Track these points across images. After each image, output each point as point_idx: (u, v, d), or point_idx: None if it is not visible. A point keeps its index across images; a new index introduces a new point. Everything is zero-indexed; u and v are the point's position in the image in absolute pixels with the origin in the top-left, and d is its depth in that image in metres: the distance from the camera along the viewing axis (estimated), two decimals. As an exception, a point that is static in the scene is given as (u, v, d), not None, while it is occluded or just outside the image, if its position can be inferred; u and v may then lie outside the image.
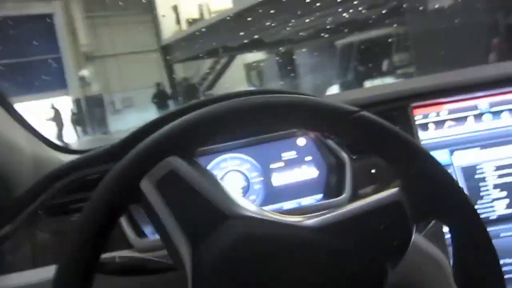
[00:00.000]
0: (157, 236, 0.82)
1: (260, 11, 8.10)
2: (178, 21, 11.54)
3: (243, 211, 0.47)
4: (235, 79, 11.66)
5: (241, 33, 8.87)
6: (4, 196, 0.80)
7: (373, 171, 0.83)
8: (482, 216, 0.77)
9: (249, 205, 0.49)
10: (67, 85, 13.07)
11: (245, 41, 9.31)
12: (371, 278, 0.47)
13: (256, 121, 0.50)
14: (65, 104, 12.40)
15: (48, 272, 0.73)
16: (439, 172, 0.48)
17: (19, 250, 0.79)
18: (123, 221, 0.78)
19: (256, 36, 8.63)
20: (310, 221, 0.47)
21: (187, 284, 0.45)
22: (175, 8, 11.39)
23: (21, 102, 9.55)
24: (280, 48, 10.31)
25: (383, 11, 6.67)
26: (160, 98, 10.91)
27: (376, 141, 0.49)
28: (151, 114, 10.31)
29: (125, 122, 12.16)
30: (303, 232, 0.46)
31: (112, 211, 0.47)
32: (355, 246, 0.46)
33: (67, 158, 0.93)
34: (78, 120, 12.32)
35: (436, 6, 5.08)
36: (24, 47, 11.04)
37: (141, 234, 0.80)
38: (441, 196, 0.47)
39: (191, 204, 0.46)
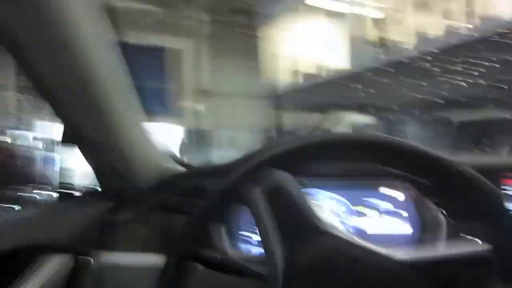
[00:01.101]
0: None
1: (376, 74, 8.12)
2: (295, 73, 11.97)
3: (336, 231, 0.53)
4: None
5: (354, 94, 8.93)
6: (131, 187, 0.93)
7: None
8: None
9: (341, 228, 0.55)
10: (180, 114, 14.11)
11: (356, 102, 9.35)
12: None
13: (367, 156, 0.55)
14: (173, 131, 13.34)
15: (153, 258, 0.84)
16: None
17: (133, 236, 0.90)
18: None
19: (368, 100, 8.63)
20: (398, 254, 0.51)
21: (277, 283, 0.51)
22: (294, 61, 11.89)
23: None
24: (390, 116, 10.16)
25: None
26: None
27: (473, 198, 0.51)
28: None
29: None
30: (388, 262, 0.50)
31: (223, 210, 0.55)
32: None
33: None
34: (186, 149, 13.11)
35: None
36: (150, 75, 12.20)
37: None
38: None
39: (292, 214, 0.53)
